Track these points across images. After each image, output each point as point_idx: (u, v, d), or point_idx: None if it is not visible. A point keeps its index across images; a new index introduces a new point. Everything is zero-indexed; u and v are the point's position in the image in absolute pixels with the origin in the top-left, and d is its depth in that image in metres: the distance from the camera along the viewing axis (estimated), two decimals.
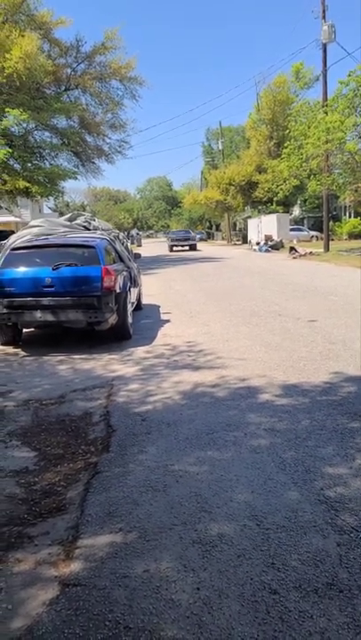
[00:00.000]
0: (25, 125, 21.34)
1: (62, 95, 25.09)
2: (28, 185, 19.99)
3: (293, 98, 40.32)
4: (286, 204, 42.50)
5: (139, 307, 10.09)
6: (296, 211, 49.15)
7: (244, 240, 44.91)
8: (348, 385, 4.92)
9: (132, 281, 8.63)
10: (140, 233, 67.51)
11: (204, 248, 42.06)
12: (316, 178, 24.19)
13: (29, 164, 21.37)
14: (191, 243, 39.14)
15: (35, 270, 7.06)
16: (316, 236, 39.46)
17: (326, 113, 22.34)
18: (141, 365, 6.10)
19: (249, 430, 3.92)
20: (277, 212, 39.38)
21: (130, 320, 7.86)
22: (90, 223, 9.54)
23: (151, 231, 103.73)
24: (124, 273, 7.97)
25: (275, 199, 37.47)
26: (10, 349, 7.34)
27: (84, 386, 5.37)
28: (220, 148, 54.27)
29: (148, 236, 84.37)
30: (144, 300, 10.94)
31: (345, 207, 43.26)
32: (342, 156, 22.62)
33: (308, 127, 23.35)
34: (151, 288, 13.43)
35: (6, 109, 18.87)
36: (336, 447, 3.55)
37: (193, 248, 38.57)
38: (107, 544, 2.58)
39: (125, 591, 2.23)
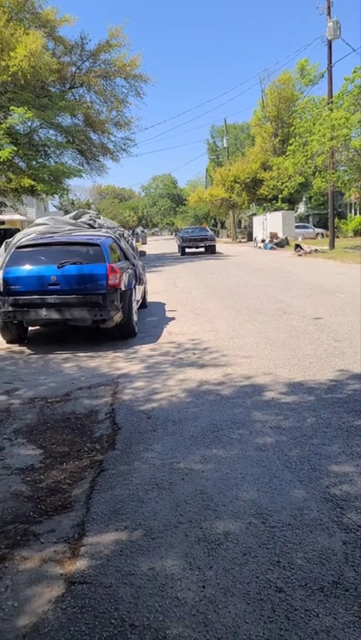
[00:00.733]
0: (30, 124, 21.35)
1: (67, 93, 25.10)
2: (33, 183, 19.97)
3: (298, 95, 40.37)
4: (291, 202, 42.35)
5: (144, 304, 10.10)
6: (301, 208, 48.99)
7: (250, 237, 44.76)
8: (353, 383, 4.91)
9: (137, 279, 8.62)
10: (145, 231, 67.49)
11: None
12: (321, 175, 24.11)
13: (34, 162, 21.37)
14: (209, 244, 29.57)
15: (40, 268, 7.07)
16: (322, 234, 39.35)
17: (331, 110, 22.25)
18: (147, 363, 6.11)
19: (254, 428, 3.91)
20: (283, 209, 39.17)
21: (135, 318, 7.86)
22: (95, 221, 9.54)
23: (156, 229, 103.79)
24: (130, 271, 7.96)
25: (280, 196, 37.29)
26: (15, 347, 7.36)
27: (89, 384, 5.37)
28: (225, 145, 54.06)
29: (152, 234, 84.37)
30: (149, 298, 10.95)
31: (350, 204, 43.08)
32: (348, 153, 22.51)
33: (313, 124, 23.27)
34: (156, 285, 13.45)
35: (11, 108, 18.91)
36: (342, 445, 3.54)
37: (211, 250, 29.33)
38: (112, 542, 2.58)
39: (131, 589, 2.23)
